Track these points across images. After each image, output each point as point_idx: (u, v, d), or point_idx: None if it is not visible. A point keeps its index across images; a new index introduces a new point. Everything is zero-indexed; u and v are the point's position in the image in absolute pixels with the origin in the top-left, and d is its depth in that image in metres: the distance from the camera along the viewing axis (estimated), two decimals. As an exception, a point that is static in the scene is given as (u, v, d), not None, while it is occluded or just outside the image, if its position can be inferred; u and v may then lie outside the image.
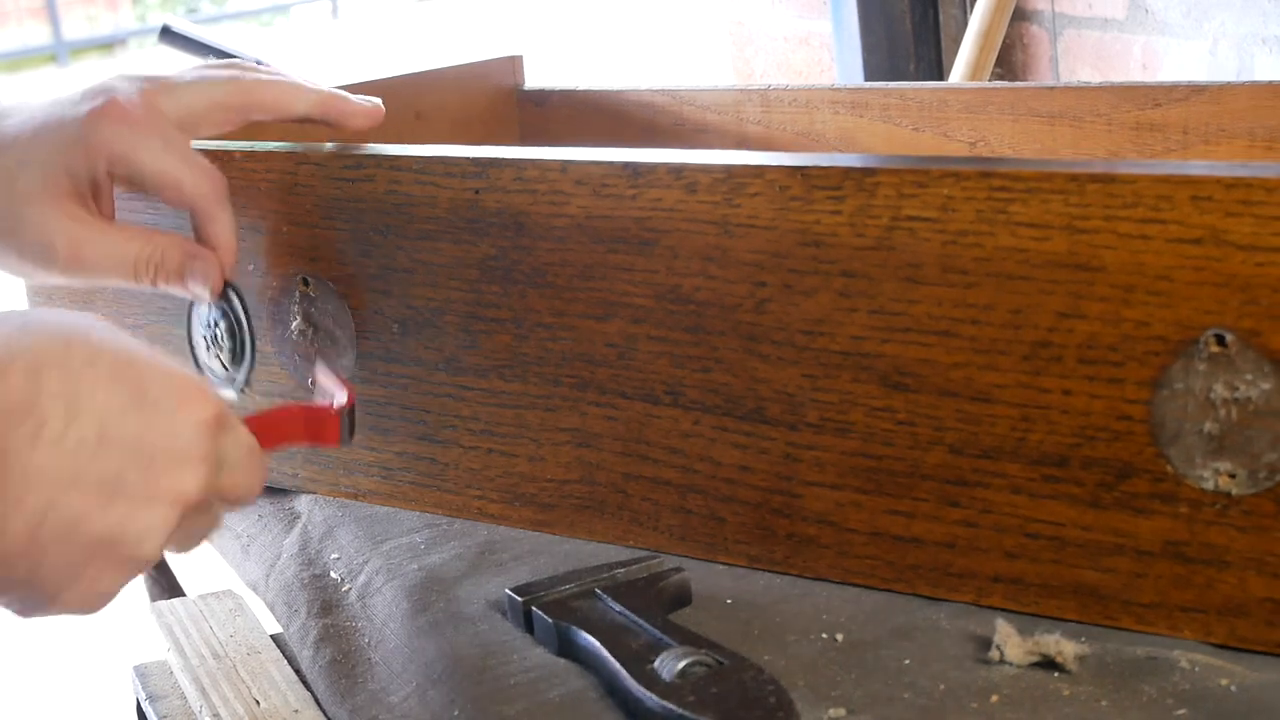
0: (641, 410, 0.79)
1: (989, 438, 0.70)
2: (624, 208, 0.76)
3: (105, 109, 0.81)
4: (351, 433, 0.76)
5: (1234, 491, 0.65)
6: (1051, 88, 1.00)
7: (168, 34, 1.63)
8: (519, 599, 0.75)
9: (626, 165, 0.76)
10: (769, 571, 0.78)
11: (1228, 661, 0.65)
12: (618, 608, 0.72)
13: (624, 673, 0.67)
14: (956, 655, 0.69)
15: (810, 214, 0.72)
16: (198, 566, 1.35)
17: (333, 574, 0.85)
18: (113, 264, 0.82)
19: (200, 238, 0.83)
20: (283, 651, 0.84)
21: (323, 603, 0.83)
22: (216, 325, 0.93)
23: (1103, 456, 0.67)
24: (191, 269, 0.83)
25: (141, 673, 0.87)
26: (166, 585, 1.28)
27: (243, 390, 0.92)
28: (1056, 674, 0.66)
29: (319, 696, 0.77)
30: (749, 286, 0.74)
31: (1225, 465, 0.65)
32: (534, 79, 1.24)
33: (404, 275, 0.85)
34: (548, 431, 0.83)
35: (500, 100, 1.22)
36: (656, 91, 1.16)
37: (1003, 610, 0.71)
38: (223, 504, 0.69)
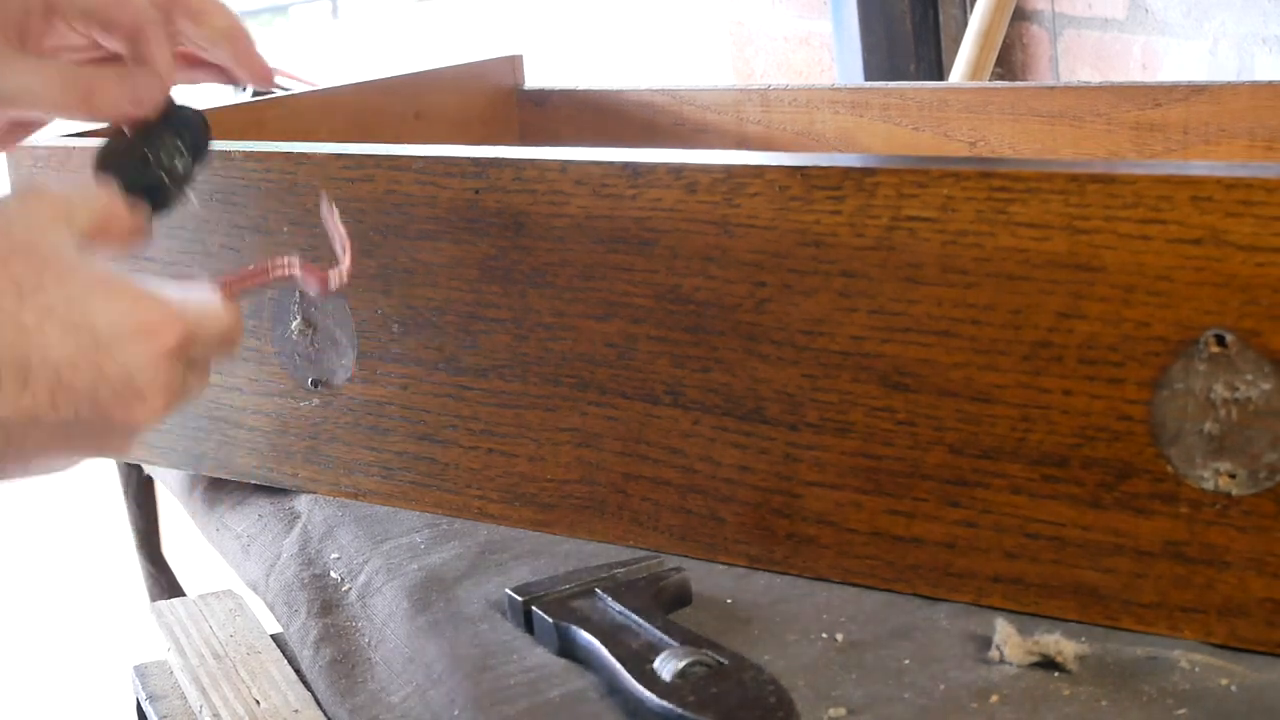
0: (641, 410, 0.79)
1: (989, 438, 0.70)
2: (624, 208, 0.76)
3: None
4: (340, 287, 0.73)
5: (1234, 492, 0.65)
6: (1051, 88, 1.00)
7: (168, 34, 1.62)
8: (519, 599, 0.75)
9: (626, 165, 0.76)
10: (769, 571, 0.78)
11: (1228, 661, 0.65)
12: (618, 608, 0.72)
13: (624, 673, 0.67)
14: (956, 655, 0.69)
15: (810, 214, 0.72)
16: (198, 566, 1.35)
17: (333, 574, 0.85)
18: (39, 84, 0.76)
19: (137, 60, 0.78)
20: (283, 651, 0.84)
21: (323, 603, 0.83)
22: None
23: (1103, 457, 0.67)
24: (134, 84, 0.77)
25: (141, 673, 0.87)
26: (166, 585, 1.28)
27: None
28: (1056, 674, 0.66)
29: (319, 696, 0.77)
30: (749, 286, 0.74)
31: (1225, 465, 0.65)
32: (534, 79, 1.24)
33: (404, 275, 0.85)
34: (548, 431, 0.83)
35: (500, 100, 1.22)
36: (656, 91, 1.16)
37: (1003, 610, 0.71)
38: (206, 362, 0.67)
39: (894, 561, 0.74)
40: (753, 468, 0.76)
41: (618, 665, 0.68)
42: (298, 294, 0.89)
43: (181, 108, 0.80)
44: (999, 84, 1.05)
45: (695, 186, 0.74)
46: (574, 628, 0.71)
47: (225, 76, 0.85)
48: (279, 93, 1.26)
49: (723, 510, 0.78)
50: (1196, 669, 0.65)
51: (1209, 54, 1.33)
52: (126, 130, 0.78)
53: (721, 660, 0.67)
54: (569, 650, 0.72)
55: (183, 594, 1.08)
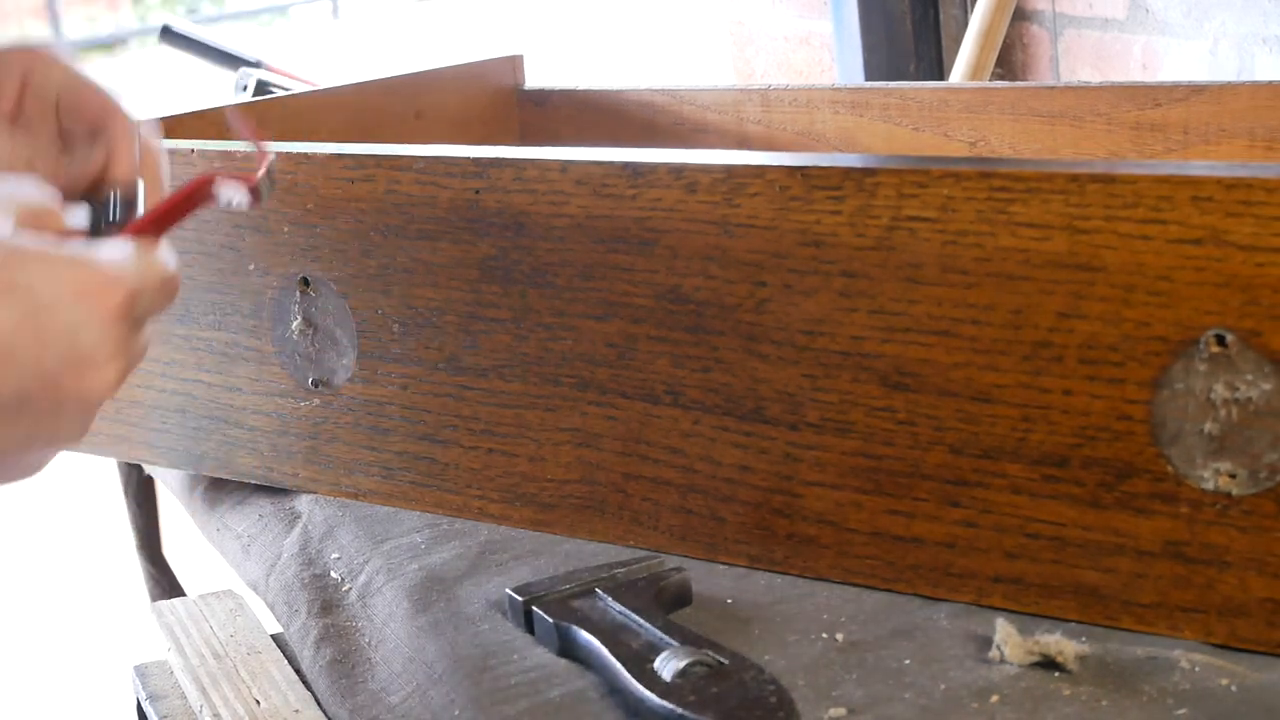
0: (641, 410, 0.79)
1: (989, 438, 0.70)
2: (624, 208, 0.76)
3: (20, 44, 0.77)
4: (269, 192, 0.70)
5: (1234, 491, 0.65)
6: (1051, 88, 1.00)
7: (168, 34, 1.63)
8: (519, 599, 0.75)
9: (626, 165, 0.76)
10: (769, 571, 0.78)
11: (1228, 661, 0.65)
12: (618, 608, 0.72)
13: (624, 673, 0.67)
14: (956, 655, 0.69)
15: (810, 214, 0.72)
16: (198, 566, 1.35)
17: (333, 574, 0.85)
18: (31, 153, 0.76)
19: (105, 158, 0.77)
20: (283, 651, 0.84)
21: (323, 603, 0.83)
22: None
23: (1103, 456, 0.67)
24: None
25: (141, 673, 0.87)
26: (166, 585, 1.28)
27: None
28: (1056, 674, 0.66)
29: (319, 696, 0.77)
30: (749, 286, 0.74)
31: (1225, 465, 0.65)
32: (534, 79, 1.24)
33: (404, 275, 0.85)
34: (548, 431, 0.83)
35: (500, 100, 1.22)
36: (656, 91, 1.16)
37: (1003, 610, 0.71)
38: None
39: (894, 561, 0.74)
40: (753, 468, 0.76)
41: (618, 665, 0.68)
42: (297, 294, 0.89)
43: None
44: (999, 84, 1.05)
45: (695, 186, 0.74)
46: (574, 628, 0.71)
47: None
48: (280, 93, 1.26)
49: (723, 510, 0.78)
50: (1196, 669, 0.65)
51: (1209, 54, 1.33)
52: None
53: (722, 660, 0.67)
54: (569, 650, 0.72)
55: (183, 594, 1.08)
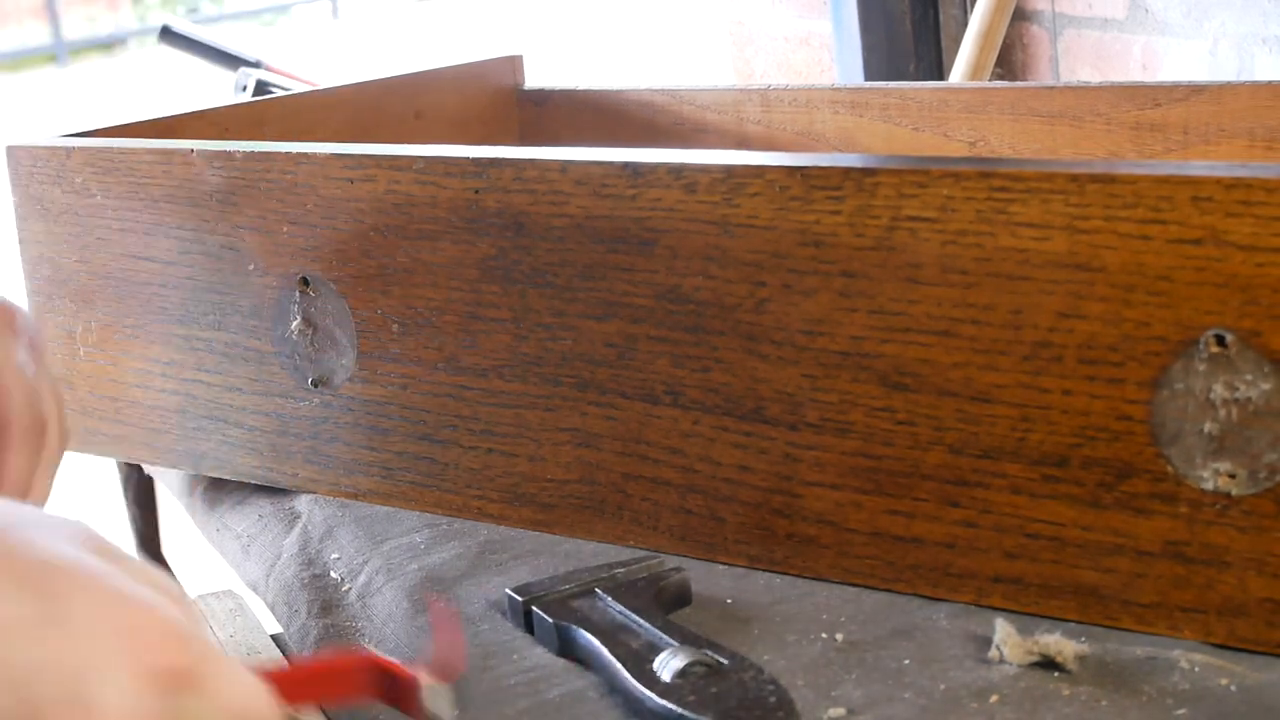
0: (641, 410, 0.79)
1: (989, 438, 0.70)
2: (624, 208, 0.76)
3: None
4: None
5: (1234, 492, 0.65)
6: (1051, 88, 1.00)
7: (168, 34, 1.63)
8: (519, 599, 0.75)
9: (626, 165, 0.76)
10: (769, 571, 0.78)
11: (1228, 661, 0.65)
12: (618, 608, 0.72)
13: (624, 672, 0.67)
14: (956, 655, 0.69)
15: (810, 214, 0.72)
16: (198, 566, 1.35)
17: (333, 574, 0.85)
18: None
19: None
20: (283, 651, 0.84)
21: (323, 603, 0.83)
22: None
23: (1103, 457, 0.67)
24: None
25: (141, 673, 0.87)
26: (166, 585, 1.28)
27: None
28: (1056, 674, 0.66)
29: (319, 696, 0.77)
30: (749, 286, 0.74)
31: (1225, 465, 0.65)
32: (534, 79, 1.24)
33: (404, 275, 0.85)
34: (548, 431, 0.83)
35: (500, 100, 1.22)
36: (656, 91, 1.16)
37: (1003, 610, 0.71)
38: None
39: (894, 561, 0.74)
40: (753, 468, 0.76)
41: (618, 665, 0.68)
42: (297, 294, 0.89)
43: None
44: (999, 84, 1.05)
45: (695, 186, 0.74)
46: (574, 628, 0.71)
47: None
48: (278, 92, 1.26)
49: (723, 510, 0.78)
50: (1196, 669, 0.65)
51: (1209, 54, 1.33)
52: None
53: (721, 660, 0.67)
54: (569, 650, 0.72)
55: (183, 594, 1.07)
